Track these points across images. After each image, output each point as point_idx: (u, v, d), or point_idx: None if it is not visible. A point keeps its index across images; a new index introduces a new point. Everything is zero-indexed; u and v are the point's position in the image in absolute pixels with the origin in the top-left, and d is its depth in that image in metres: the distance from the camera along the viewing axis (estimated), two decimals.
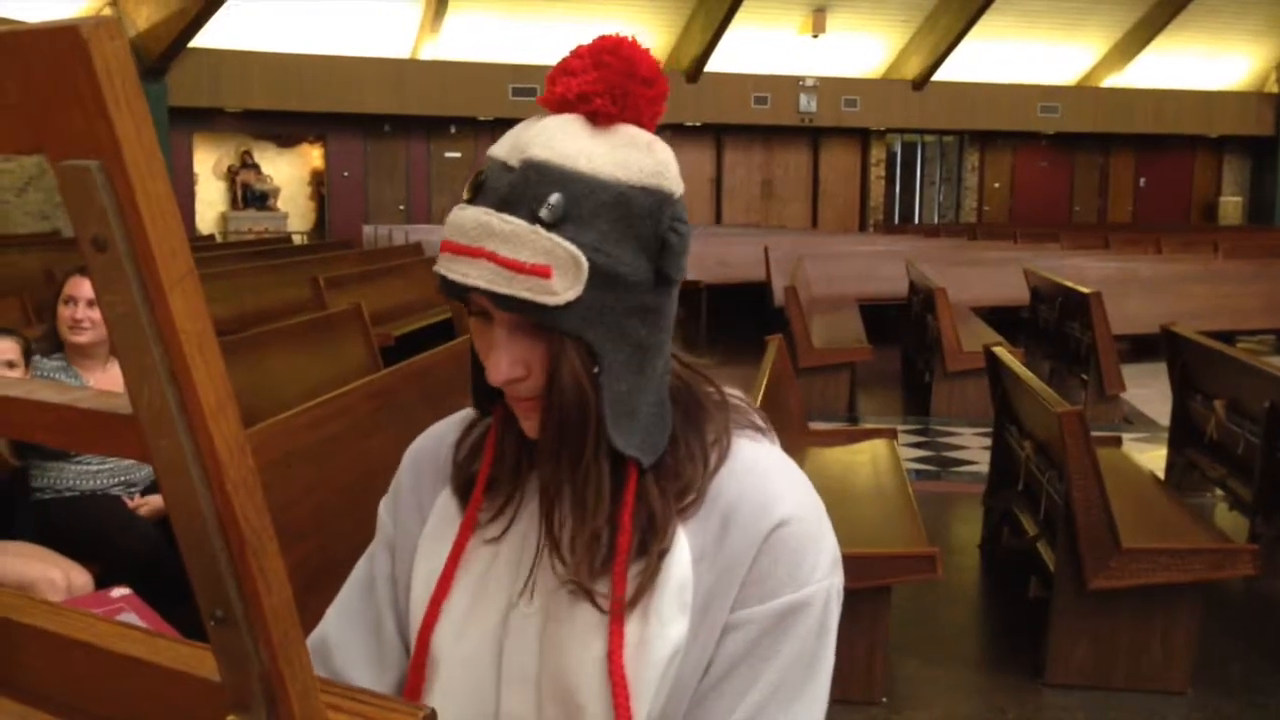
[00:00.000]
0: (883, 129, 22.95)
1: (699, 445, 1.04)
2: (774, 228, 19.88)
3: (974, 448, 7.13)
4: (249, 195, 19.24)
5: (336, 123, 19.08)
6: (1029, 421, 4.38)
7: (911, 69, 22.28)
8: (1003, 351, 4.85)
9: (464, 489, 1.09)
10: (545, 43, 19.00)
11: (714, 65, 20.59)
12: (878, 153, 23.40)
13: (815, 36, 21.28)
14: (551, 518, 1.02)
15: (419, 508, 1.14)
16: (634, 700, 0.98)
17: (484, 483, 1.08)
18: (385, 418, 4.57)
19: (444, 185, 20.23)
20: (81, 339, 3.44)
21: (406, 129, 19.75)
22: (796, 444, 4.83)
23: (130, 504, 3.45)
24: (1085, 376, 7.89)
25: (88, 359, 3.48)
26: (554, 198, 0.92)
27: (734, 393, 1.12)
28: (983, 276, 11.78)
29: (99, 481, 3.44)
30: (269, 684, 0.48)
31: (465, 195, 0.97)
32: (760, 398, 3.75)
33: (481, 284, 0.92)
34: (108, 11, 16.50)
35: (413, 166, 20.18)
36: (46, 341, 3.47)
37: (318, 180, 20.02)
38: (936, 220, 23.80)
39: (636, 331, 0.97)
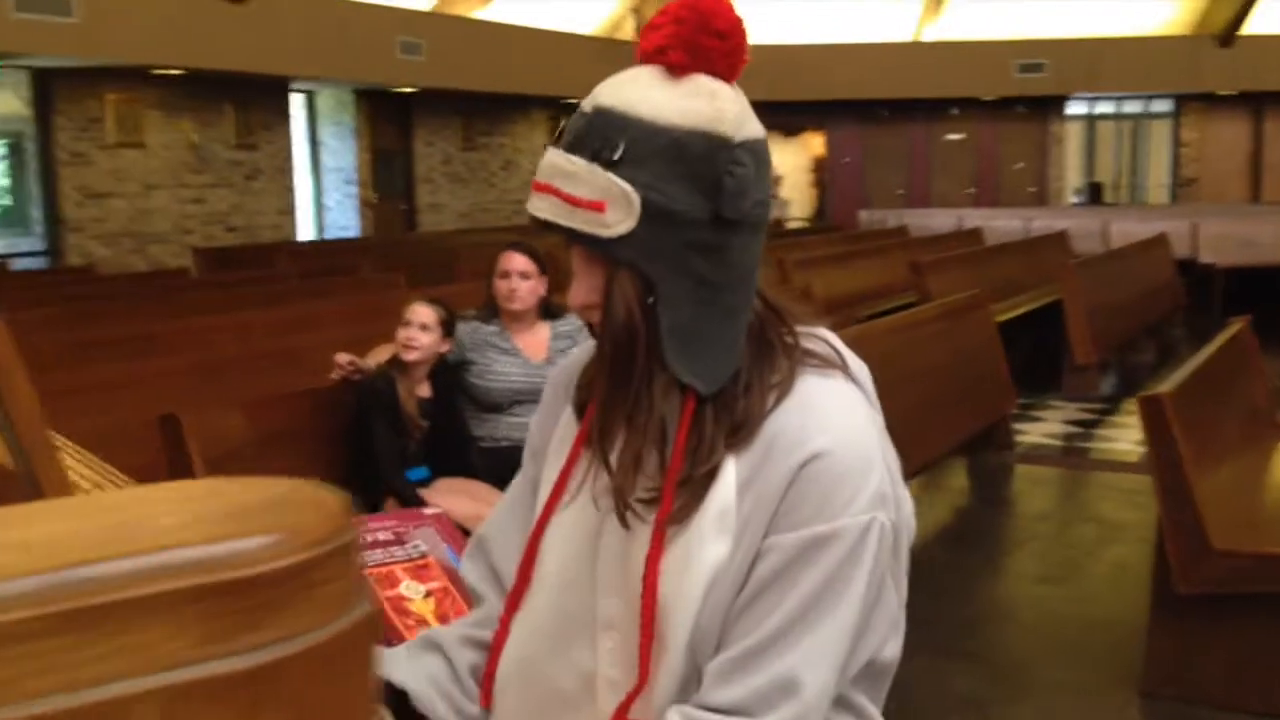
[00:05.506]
0: None
1: (759, 384, 1.10)
2: None
3: None
4: None
5: (837, 110, 19.40)
6: None
7: None
8: None
9: (580, 409, 1.20)
10: (1053, 16, 18.09)
11: (1252, 27, 18.52)
12: None
13: None
14: (603, 433, 1.12)
15: (554, 422, 1.26)
16: (676, 615, 1.06)
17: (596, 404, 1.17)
18: None
19: (945, 168, 19.91)
20: (515, 306, 3.87)
21: (906, 113, 19.66)
22: (1256, 434, 4.33)
23: None
24: None
25: (519, 323, 3.90)
26: (613, 140, 1.05)
27: (818, 334, 1.17)
28: None
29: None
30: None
31: (552, 140, 1.10)
32: (1186, 379, 3.44)
33: (548, 216, 1.07)
34: (630, 18, 17.93)
35: (912, 150, 20.05)
36: (487, 309, 3.93)
37: (819, 167, 20.49)
38: None
39: (697, 266, 1.07)
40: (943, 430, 5.73)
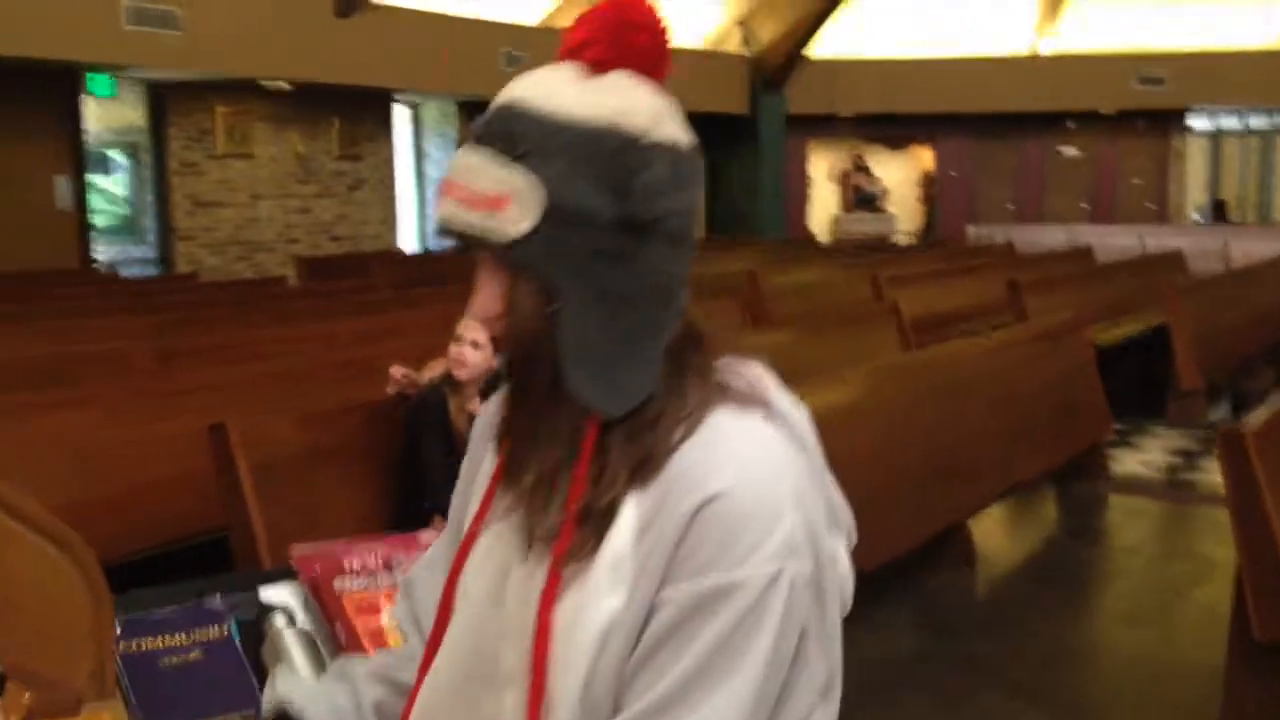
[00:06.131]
0: None
1: (670, 415, 1.00)
2: None
3: None
4: (859, 198, 19.80)
5: (946, 124, 19.01)
6: None
7: None
8: None
9: (501, 443, 1.13)
10: (1175, 28, 17.48)
11: None
12: None
13: None
14: (513, 457, 1.05)
15: (479, 461, 1.18)
16: (567, 671, 0.97)
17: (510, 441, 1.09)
18: (881, 405, 4.55)
19: (1059, 183, 19.36)
20: None
21: (1019, 127, 19.15)
22: None
23: None
24: None
25: None
26: (519, 134, 0.98)
27: (744, 369, 1.06)
28: None
29: None
30: None
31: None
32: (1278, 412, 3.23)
33: (448, 214, 1.00)
34: (736, 31, 17.83)
35: (1024, 165, 19.54)
36: None
37: (927, 181, 20.10)
38: None
39: (603, 275, 0.98)
40: (1032, 456, 5.52)
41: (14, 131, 10.40)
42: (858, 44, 18.13)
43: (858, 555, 4.27)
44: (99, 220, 12.22)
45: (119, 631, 1.57)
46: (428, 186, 15.15)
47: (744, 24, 17.82)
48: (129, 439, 3.88)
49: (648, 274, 1.00)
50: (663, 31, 1.03)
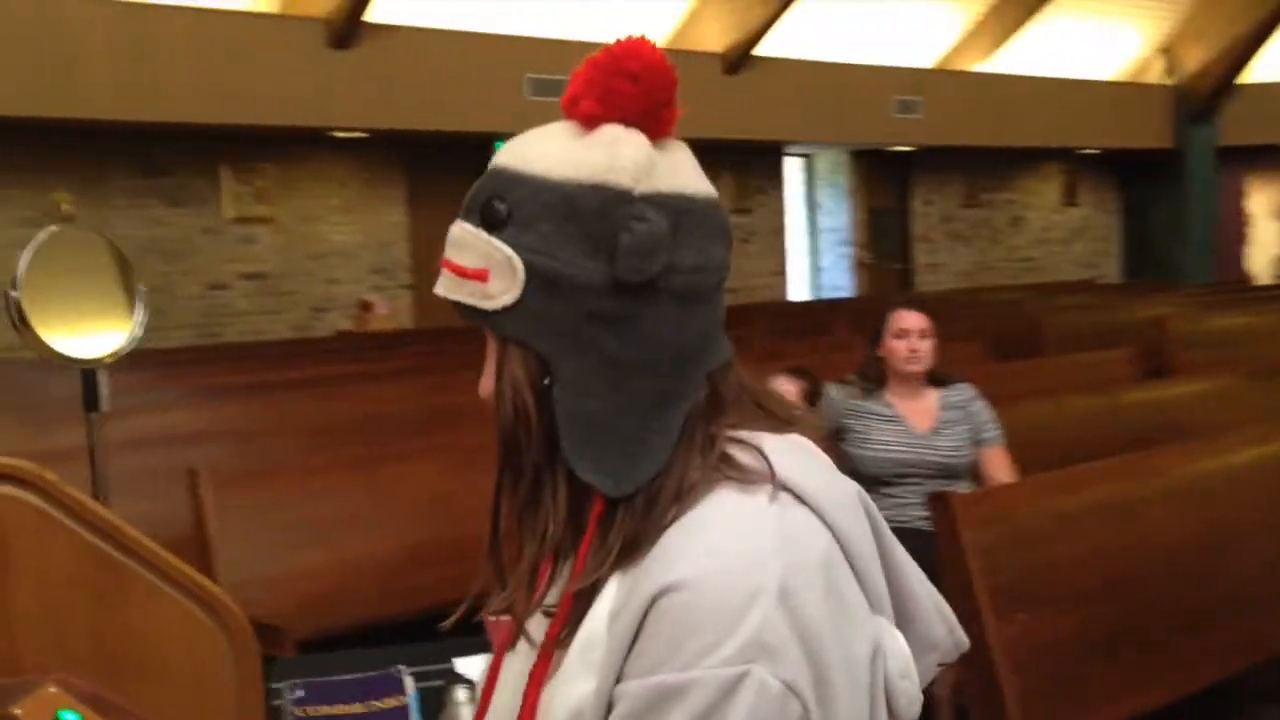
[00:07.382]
0: None
1: (669, 491, 0.92)
2: None
3: None
4: None
5: None
6: None
7: None
8: None
9: None
10: None
11: None
12: None
13: None
14: (498, 540, 0.98)
15: None
16: None
17: None
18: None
19: None
20: (916, 367, 3.62)
21: None
22: None
23: None
24: None
25: (904, 388, 3.64)
26: (499, 200, 0.95)
27: (761, 443, 0.94)
28: None
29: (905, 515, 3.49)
30: None
31: None
32: None
33: (441, 291, 0.99)
34: (1158, 59, 16.50)
35: None
36: (869, 374, 3.69)
37: None
38: None
39: (602, 342, 0.93)
40: None
41: (435, 196, 11.41)
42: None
43: (1240, 646, 3.60)
44: None
45: (302, 695, 1.55)
46: (820, 237, 15.11)
47: (1167, 51, 16.46)
48: (465, 489, 4.02)
49: (652, 337, 0.93)
50: (660, 77, 0.95)
